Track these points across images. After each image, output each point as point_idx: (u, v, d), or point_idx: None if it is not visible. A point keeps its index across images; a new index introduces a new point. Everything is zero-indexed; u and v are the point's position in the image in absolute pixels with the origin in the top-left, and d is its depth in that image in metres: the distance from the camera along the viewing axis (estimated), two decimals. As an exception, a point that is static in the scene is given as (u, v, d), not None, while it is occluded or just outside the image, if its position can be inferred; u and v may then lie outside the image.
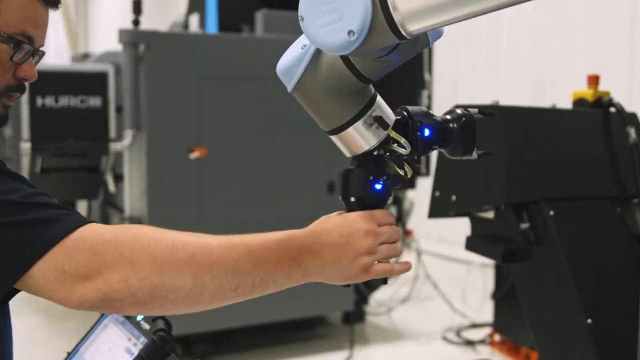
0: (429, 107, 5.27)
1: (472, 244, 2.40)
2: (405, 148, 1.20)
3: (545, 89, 7.04)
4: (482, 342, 5.15)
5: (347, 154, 1.24)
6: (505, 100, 2.64)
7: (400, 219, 5.61)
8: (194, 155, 4.41)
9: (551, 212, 2.18)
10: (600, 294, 2.20)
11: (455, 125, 1.24)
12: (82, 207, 5.94)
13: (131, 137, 4.53)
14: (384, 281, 1.30)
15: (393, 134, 1.20)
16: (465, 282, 6.14)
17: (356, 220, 1.19)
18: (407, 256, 5.97)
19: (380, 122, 1.18)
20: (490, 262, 5.76)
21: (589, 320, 2.13)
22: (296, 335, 5.13)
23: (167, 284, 1.07)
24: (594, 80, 2.46)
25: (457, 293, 5.98)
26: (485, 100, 2.79)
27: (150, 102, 4.43)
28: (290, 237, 1.17)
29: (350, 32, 1.06)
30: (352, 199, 1.23)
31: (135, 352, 1.49)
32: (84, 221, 1.11)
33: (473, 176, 2.33)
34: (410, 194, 5.68)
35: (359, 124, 1.17)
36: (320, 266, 1.17)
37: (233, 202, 4.59)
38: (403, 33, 1.06)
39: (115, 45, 4.79)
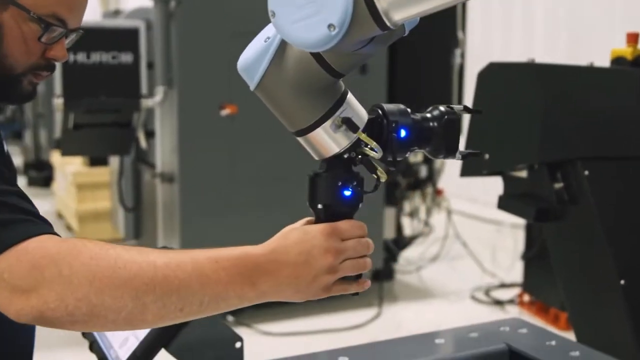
0: (461, 66, 5.21)
1: (504, 203, 2.38)
2: (376, 152, 1.10)
3: (582, 47, 6.90)
4: (510, 302, 5.15)
5: (316, 157, 1.13)
6: (540, 59, 2.59)
7: (431, 178, 5.59)
8: (225, 112, 4.41)
9: (586, 172, 2.15)
10: (634, 255, 2.18)
11: (435, 124, 1.13)
12: (114, 162, 6.00)
13: (162, 93, 4.54)
14: (355, 294, 1.18)
15: (363, 137, 1.09)
16: (495, 242, 6.12)
17: (316, 236, 1.09)
18: (437, 216, 5.96)
19: (349, 124, 1.07)
20: (520, 222, 5.72)
21: (622, 282, 2.11)
22: (325, 292, 5.15)
23: (106, 304, 1.02)
24: (633, 38, 2.40)
25: (487, 253, 5.97)
26: (519, 58, 2.75)
27: (181, 58, 4.43)
28: (245, 255, 1.08)
29: (330, 26, 0.96)
30: (319, 206, 1.13)
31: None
32: (37, 231, 1.07)
33: (507, 135, 2.30)
34: (441, 153, 5.64)
35: (326, 125, 1.07)
36: (276, 286, 1.08)
37: (263, 158, 4.59)
38: (387, 23, 0.97)
39: (146, 2, 4.78)
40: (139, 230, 5.69)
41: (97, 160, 6.54)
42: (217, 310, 1.10)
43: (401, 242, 5.68)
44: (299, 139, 1.11)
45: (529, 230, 5.08)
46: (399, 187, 5.43)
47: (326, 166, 1.13)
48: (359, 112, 1.10)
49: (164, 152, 4.75)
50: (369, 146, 1.10)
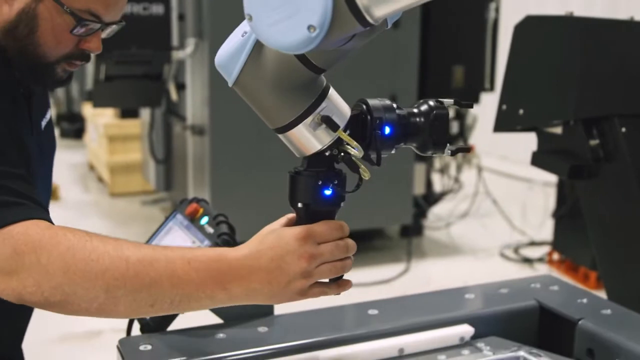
0: (496, 20, 5.11)
1: (538, 159, 2.35)
2: (357, 151, 1.06)
3: (621, 1, 6.74)
4: (540, 260, 5.12)
5: (297, 155, 1.09)
6: (578, 13, 2.52)
7: (462, 134, 5.54)
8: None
9: (623, 129, 2.11)
10: (669, 213, 2.15)
11: (422, 119, 1.09)
12: (145, 114, 6.02)
13: (193, 45, 4.52)
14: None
15: (343, 136, 1.05)
16: (525, 200, 6.07)
17: (289, 242, 1.07)
18: (467, 172, 5.93)
19: (329, 122, 1.03)
20: (552, 180, 5.68)
21: (656, 240, 2.09)
22: (354, 247, 5.17)
23: (79, 294, 1.06)
24: (676, -9, 2.33)
25: (517, 211, 5.93)
26: (555, 12, 2.68)
27: (212, 9, 4.40)
28: (218, 258, 1.08)
29: (310, 27, 0.91)
30: (299, 205, 1.10)
31: (199, 254, 1.51)
32: (25, 216, 1.09)
33: (542, 90, 2.26)
34: (473, 109, 5.58)
35: (306, 122, 1.03)
36: (248, 291, 1.08)
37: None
38: (369, 19, 0.93)
39: (178, -48, 4.74)
40: (169, 182, 5.73)
41: (128, 112, 6.57)
42: (189, 309, 1.12)
43: (431, 198, 5.66)
44: (280, 136, 1.08)
45: (561, 188, 5.03)
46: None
47: (307, 164, 1.09)
48: (341, 109, 1.06)
49: (195, 104, 4.75)
50: (349, 145, 1.06)
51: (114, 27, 1.32)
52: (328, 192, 1.08)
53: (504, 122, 2.38)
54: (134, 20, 4.50)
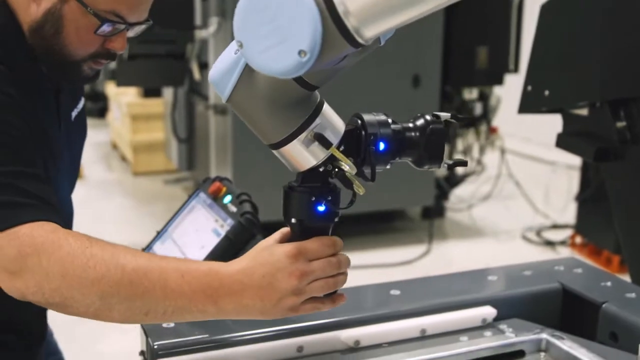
0: (521, 0, 5.05)
1: (563, 141, 2.32)
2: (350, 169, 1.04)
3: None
4: (562, 243, 5.10)
5: (291, 170, 1.07)
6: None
7: (486, 115, 5.50)
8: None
9: (651, 111, 2.07)
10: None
11: (417, 134, 1.08)
12: (168, 93, 6.03)
13: (216, 24, 4.52)
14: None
15: (336, 154, 1.03)
16: (548, 183, 6.03)
17: (280, 259, 1.07)
18: (490, 154, 5.89)
19: (322, 140, 1.01)
20: (576, 163, 5.62)
21: (682, 224, 2.06)
22: (375, 228, 5.18)
23: (76, 298, 1.09)
24: None
25: (540, 193, 5.89)
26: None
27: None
28: (210, 273, 1.09)
29: (301, 52, 0.91)
30: (293, 220, 1.10)
31: (222, 233, 1.51)
32: (33, 218, 1.12)
33: (569, 70, 2.23)
34: (497, 90, 5.53)
35: (300, 139, 1.02)
36: (239, 307, 1.09)
37: (316, 93, 4.56)
38: (359, 40, 0.92)
39: None
40: (192, 161, 5.75)
41: (151, 91, 6.59)
42: (183, 320, 1.14)
43: (453, 179, 5.64)
44: (274, 151, 1.07)
45: (585, 171, 4.99)
46: (452, 124, 5.35)
47: (301, 179, 1.08)
48: (335, 125, 1.05)
49: (218, 84, 4.74)
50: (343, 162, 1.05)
51: (140, 27, 1.33)
52: (321, 208, 1.08)
53: (529, 104, 2.35)
54: (158, 0, 4.51)
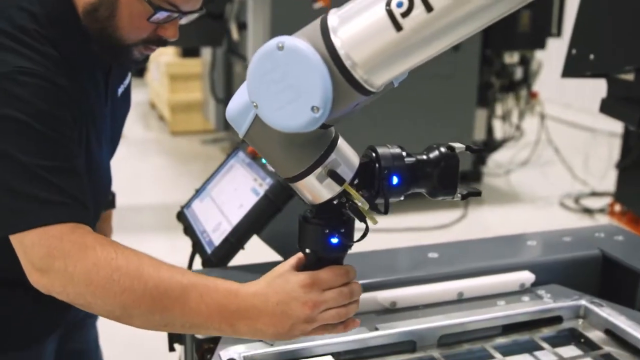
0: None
1: (607, 106, 2.27)
2: (362, 204, 1.05)
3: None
4: (601, 211, 5.04)
5: (306, 202, 1.08)
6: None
7: (526, 80, 5.42)
8: (318, 4, 4.33)
9: (700, 77, 2.02)
10: None
11: (431, 168, 1.08)
12: (206, 53, 6.04)
13: (256, -16, 4.49)
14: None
15: (349, 190, 1.04)
16: (588, 150, 5.94)
17: (294, 288, 1.10)
18: (530, 120, 5.81)
19: (335, 177, 1.02)
20: (617, 130, 5.53)
21: None
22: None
23: (98, 305, 1.13)
24: None
25: (579, 160, 5.82)
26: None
27: (275, -52, 4.35)
28: (229, 296, 1.12)
29: (314, 108, 0.92)
30: (307, 250, 1.11)
31: (261, 192, 1.52)
32: (65, 218, 1.14)
33: (616, 34, 2.17)
34: (538, 55, 5.44)
35: (314, 174, 1.02)
36: (254, 330, 1.12)
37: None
38: (370, 89, 0.94)
39: None
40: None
41: (189, 51, 6.60)
42: (199, 333, 1.20)
43: (491, 144, 5.58)
44: (290, 184, 1.08)
45: (626, 138, 4.90)
46: (492, 88, 5.29)
47: (315, 211, 1.09)
48: (349, 160, 1.05)
49: (256, 44, 4.73)
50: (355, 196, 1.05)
51: (193, 15, 1.33)
52: (335, 240, 1.09)
53: (573, 67, 2.30)
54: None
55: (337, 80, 0.92)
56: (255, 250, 1.60)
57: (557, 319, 1.47)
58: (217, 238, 1.55)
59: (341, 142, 1.05)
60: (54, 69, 1.21)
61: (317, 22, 0.96)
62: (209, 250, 1.55)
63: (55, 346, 1.55)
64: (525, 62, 5.37)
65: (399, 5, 0.89)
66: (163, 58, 6.98)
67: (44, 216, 1.14)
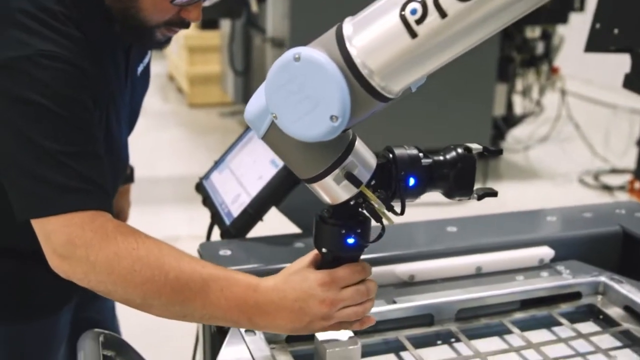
0: None
1: (630, 81, 2.24)
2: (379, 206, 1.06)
3: None
4: (620, 188, 5.00)
5: (323, 202, 1.08)
6: None
7: (548, 55, 5.36)
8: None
9: None
10: None
11: (448, 169, 1.08)
12: (225, 25, 6.02)
13: (275, -45, 4.45)
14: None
15: (366, 192, 1.05)
16: (609, 126, 5.89)
17: (312, 286, 1.11)
18: (550, 95, 5.76)
19: (352, 179, 1.02)
20: (639, 107, 5.47)
21: None
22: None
23: (119, 293, 1.14)
24: None
25: (600, 137, 5.76)
26: None
27: None
28: (248, 290, 1.13)
29: (332, 117, 0.93)
30: (323, 250, 1.12)
31: (280, 164, 1.51)
32: (87, 206, 1.15)
33: (641, 8, 2.14)
34: (560, 29, 5.38)
35: (331, 176, 1.03)
36: (272, 325, 1.14)
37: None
38: (388, 96, 0.94)
39: None
40: (247, 94, 5.76)
41: (208, 24, 6.58)
42: (217, 324, 1.21)
43: (511, 120, 5.54)
44: (306, 185, 1.08)
45: (648, 115, 4.85)
46: (512, 63, 5.24)
47: (332, 211, 1.09)
48: (366, 162, 1.05)
49: (275, 16, 4.71)
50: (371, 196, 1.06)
51: None
52: (351, 240, 1.10)
53: (597, 42, 2.27)
54: None
55: (354, 88, 0.93)
56: (275, 224, 1.60)
57: (576, 295, 1.46)
58: (236, 209, 1.55)
59: (359, 144, 1.05)
60: (77, 51, 1.21)
61: (332, 31, 0.96)
62: (227, 222, 1.55)
63: (70, 316, 1.56)
64: (546, 36, 5.30)
65: (413, 12, 0.89)
66: (182, 30, 6.96)
67: (65, 204, 1.15)
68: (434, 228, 1.62)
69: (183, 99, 7.18)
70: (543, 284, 1.45)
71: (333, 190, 1.04)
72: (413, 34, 0.90)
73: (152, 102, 6.92)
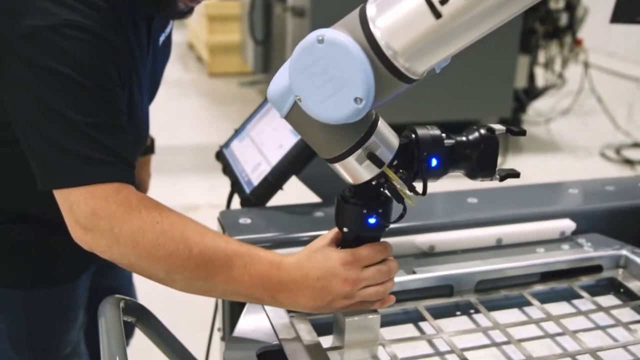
0: None
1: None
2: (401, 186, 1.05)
3: None
4: (643, 162, 4.96)
5: (345, 182, 1.08)
6: None
7: (571, 26, 5.29)
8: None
9: None
10: None
11: (471, 150, 1.08)
12: (245, -5, 5.97)
13: None
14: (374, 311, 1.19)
15: (388, 172, 1.04)
16: (632, 100, 5.83)
17: (335, 265, 1.11)
18: (573, 68, 5.69)
19: (374, 159, 1.02)
20: (664, 80, 5.41)
21: None
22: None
23: (142, 266, 1.14)
24: None
25: (623, 110, 5.70)
26: None
27: None
28: (272, 267, 1.13)
29: (357, 99, 0.93)
30: (345, 229, 1.12)
31: (301, 133, 1.51)
32: (110, 178, 1.14)
33: (669, -22, 2.10)
34: (584, 0, 5.30)
35: (354, 156, 1.02)
36: (294, 303, 1.14)
37: None
38: (413, 77, 0.94)
39: None
40: (268, 64, 5.74)
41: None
42: (239, 300, 1.19)
43: (532, 92, 5.49)
44: (329, 164, 1.08)
45: (673, 88, 4.79)
46: (535, 34, 5.18)
47: (354, 191, 1.09)
48: (389, 142, 1.05)
49: (296, -15, 4.67)
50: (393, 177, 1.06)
51: None
52: (372, 220, 1.10)
53: (623, 12, 2.23)
54: None
55: (379, 70, 0.93)
56: (296, 191, 1.60)
57: (597, 268, 1.45)
58: (256, 178, 1.55)
59: (381, 124, 1.05)
60: (101, 21, 1.20)
61: (355, 13, 0.95)
62: (247, 190, 1.55)
63: (88, 283, 1.57)
64: (570, 8, 5.23)
65: None
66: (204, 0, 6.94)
67: (90, 175, 1.14)
68: (455, 199, 1.61)
69: (203, 68, 7.17)
70: (564, 256, 1.44)
71: (355, 170, 1.04)
72: (437, 14, 0.89)
73: (172, 71, 6.92)
